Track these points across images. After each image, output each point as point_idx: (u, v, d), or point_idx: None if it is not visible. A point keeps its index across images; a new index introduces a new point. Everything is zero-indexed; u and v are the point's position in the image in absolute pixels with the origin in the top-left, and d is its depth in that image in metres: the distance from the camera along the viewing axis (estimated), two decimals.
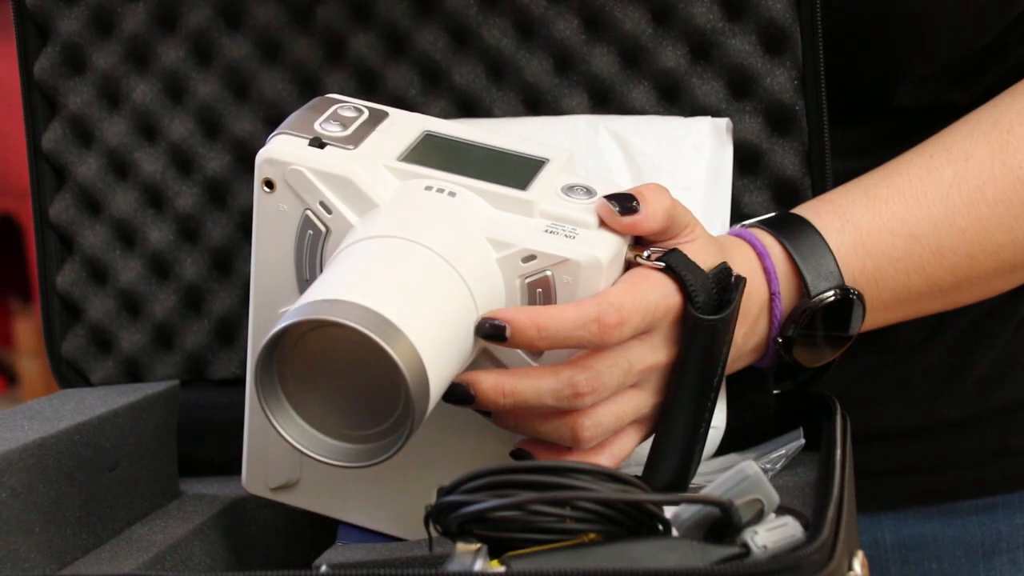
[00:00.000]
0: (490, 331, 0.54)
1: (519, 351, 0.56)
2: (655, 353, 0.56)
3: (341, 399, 0.53)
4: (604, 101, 0.68)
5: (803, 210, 0.63)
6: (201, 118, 0.72)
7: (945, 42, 0.66)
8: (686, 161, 0.65)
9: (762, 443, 0.65)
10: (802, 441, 0.63)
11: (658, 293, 0.56)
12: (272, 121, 0.71)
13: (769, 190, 0.68)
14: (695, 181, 0.65)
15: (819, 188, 0.67)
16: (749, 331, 0.60)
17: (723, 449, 0.64)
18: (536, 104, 0.69)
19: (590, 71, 0.68)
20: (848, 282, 0.61)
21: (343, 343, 0.51)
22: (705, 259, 0.57)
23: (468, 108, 0.70)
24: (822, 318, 0.61)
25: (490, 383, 0.54)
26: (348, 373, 0.53)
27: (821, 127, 0.66)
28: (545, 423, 0.56)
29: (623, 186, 0.62)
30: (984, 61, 0.68)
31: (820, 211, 0.63)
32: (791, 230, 0.61)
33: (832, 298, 0.61)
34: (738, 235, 0.62)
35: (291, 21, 0.70)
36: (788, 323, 0.61)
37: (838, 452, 0.55)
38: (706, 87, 0.67)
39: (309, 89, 0.71)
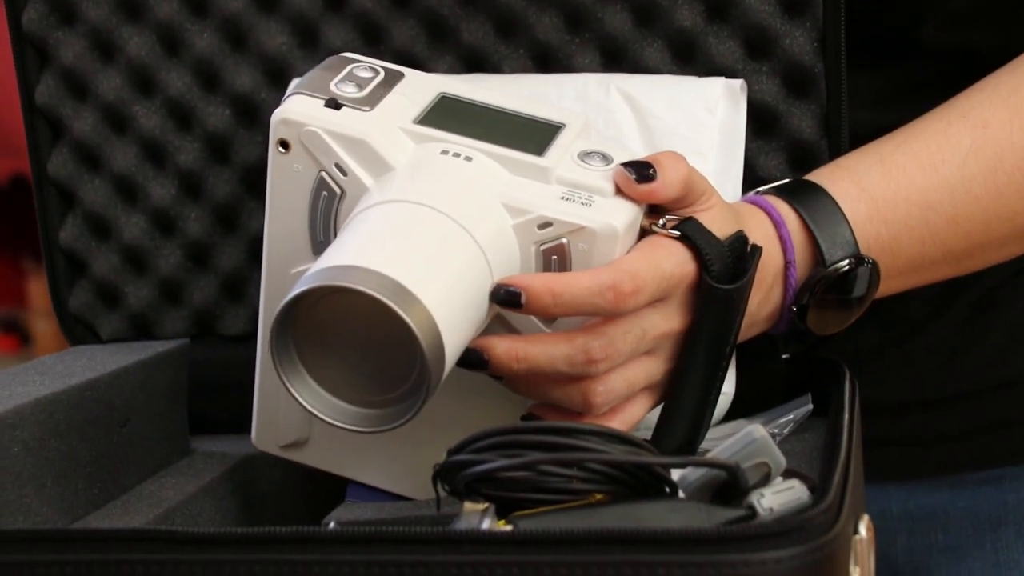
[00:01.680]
0: (505, 297, 0.56)
1: (533, 317, 0.58)
2: (669, 321, 0.59)
3: (356, 364, 0.55)
4: (616, 60, 0.70)
5: (818, 177, 0.65)
6: (199, 71, 0.74)
7: None
8: (699, 124, 0.67)
9: (771, 408, 0.67)
10: (810, 407, 0.66)
11: (673, 261, 0.58)
12: (272, 75, 0.73)
13: (785, 153, 0.70)
14: (708, 145, 0.67)
15: (836, 151, 0.68)
16: (763, 299, 0.62)
17: (732, 414, 0.67)
18: (546, 62, 0.70)
19: (603, 29, 0.69)
20: (863, 251, 0.63)
21: (359, 309, 0.53)
22: (721, 227, 0.59)
23: (476, 65, 0.71)
24: (837, 286, 0.63)
25: (504, 348, 0.57)
26: (363, 338, 0.55)
27: (839, 89, 0.68)
28: (557, 388, 0.58)
29: (635, 149, 0.64)
30: (1018, 7, 0.69)
31: (836, 178, 0.65)
32: (807, 198, 0.63)
33: (847, 267, 0.63)
34: (754, 202, 0.64)
35: None
36: (803, 292, 0.63)
37: (845, 416, 0.57)
38: (722, 47, 0.69)
39: (309, 42, 0.72)
